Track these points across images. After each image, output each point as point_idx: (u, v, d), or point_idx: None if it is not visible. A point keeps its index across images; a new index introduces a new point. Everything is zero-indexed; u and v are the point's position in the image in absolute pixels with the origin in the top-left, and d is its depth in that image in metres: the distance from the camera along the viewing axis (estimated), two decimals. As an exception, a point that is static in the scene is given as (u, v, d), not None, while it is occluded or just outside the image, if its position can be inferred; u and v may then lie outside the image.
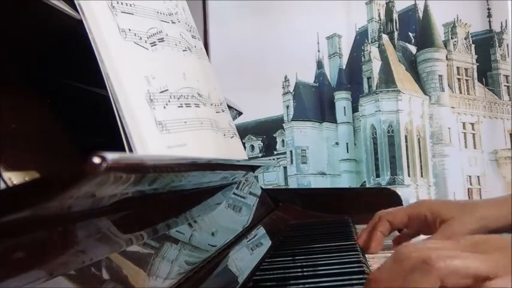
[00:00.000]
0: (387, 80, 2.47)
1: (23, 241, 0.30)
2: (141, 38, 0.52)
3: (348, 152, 2.47)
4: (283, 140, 2.51)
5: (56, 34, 0.48)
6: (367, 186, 2.40)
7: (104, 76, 0.46)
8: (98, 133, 0.56)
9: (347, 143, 2.48)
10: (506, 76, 2.49)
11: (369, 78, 2.48)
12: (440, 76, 2.49)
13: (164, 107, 0.52)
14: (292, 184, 2.46)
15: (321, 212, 1.10)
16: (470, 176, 2.47)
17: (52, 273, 0.31)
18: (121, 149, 0.46)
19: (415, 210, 0.73)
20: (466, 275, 0.38)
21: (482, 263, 0.39)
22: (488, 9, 2.43)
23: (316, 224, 1.00)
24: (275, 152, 2.52)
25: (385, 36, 2.52)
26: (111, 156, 0.27)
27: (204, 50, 0.72)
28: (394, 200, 1.05)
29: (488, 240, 0.42)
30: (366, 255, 0.73)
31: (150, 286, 0.41)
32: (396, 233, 0.77)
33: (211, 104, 0.66)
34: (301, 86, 2.47)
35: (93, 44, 0.46)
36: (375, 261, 0.71)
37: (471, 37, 2.50)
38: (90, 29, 0.46)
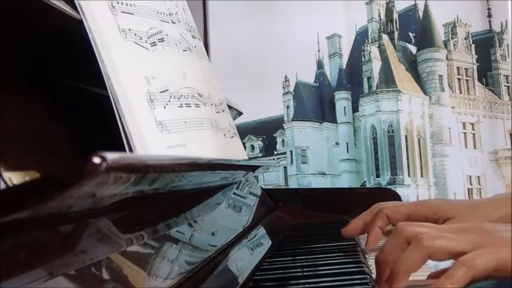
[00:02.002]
0: (387, 80, 2.47)
1: (23, 241, 0.30)
2: (141, 38, 0.52)
3: (348, 152, 2.47)
4: (283, 140, 2.50)
5: (56, 34, 0.48)
6: (367, 186, 2.39)
7: (104, 76, 0.46)
8: (98, 133, 0.56)
9: (347, 143, 2.48)
10: (506, 76, 2.48)
11: (369, 78, 2.48)
12: (440, 76, 2.49)
13: (164, 107, 0.52)
14: (292, 184, 2.46)
15: (321, 212, 1.10)
16: (470, 176, 2.46)
17: (52, 273, 0.31)
18: (121, 149, 0.46)
19: (416, 209, 0.72)
20: (448, 252, 0.49)
21: (460, 242, 0.49)
22: (488, 9, 2.43)
23: (316, 224, 1.00)
24: (275, 152, 2.52)
25: (385, 36, 2.51)
26: (111, 156, 0.27)
27: (204, 50, 0.72)
28: (394, 200, 1.04)
29: (471, 225, 0.54)
30: (366, 256, 0.73)
31: (150, 286, 0.41)
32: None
33: (212, 104, 0.66)
34: (301, 86, 2.47)
35: (93, 44, 0.46)
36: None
37: (471, 37, 2.50)
38: (90, 29, 0.47)
